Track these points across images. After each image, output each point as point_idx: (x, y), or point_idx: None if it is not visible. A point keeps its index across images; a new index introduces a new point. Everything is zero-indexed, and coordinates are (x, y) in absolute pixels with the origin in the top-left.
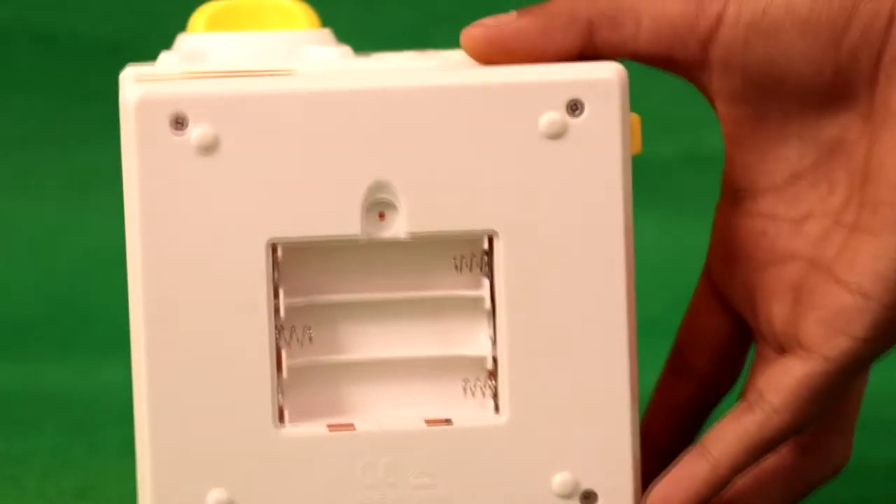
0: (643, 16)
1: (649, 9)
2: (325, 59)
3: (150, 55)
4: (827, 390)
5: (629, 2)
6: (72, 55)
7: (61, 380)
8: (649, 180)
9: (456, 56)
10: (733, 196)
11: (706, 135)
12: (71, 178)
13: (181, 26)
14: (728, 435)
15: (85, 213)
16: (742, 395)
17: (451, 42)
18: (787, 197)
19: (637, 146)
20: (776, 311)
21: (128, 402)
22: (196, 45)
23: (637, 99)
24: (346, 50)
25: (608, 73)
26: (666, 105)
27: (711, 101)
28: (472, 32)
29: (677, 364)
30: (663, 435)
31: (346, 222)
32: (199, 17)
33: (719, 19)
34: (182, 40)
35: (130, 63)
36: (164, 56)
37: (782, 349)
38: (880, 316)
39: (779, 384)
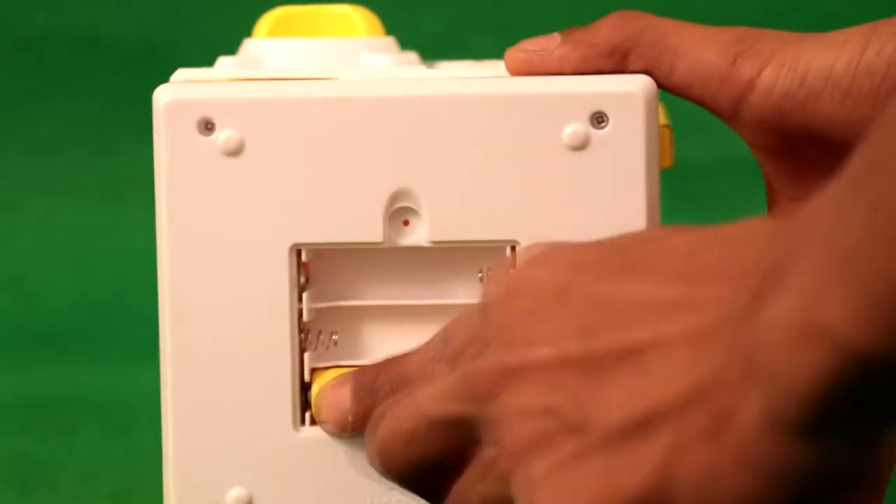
0: (679, 61)
1: (687, 54)
2: (376, 67)
3: (185, 59)
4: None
5: (671, 42)
6: (108, 59)
7: (97, 383)
8: (684, 183)
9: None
10: None
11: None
12: (108, 181)
13: (217, 31)
14: None
15: (122, 217)
16: None
17: (486, 47)
18: None
19: (667, 160)
20: None
21: None
22: (256, 50)
23: (673, 99)
24: (405, 57)
25: (634, 87)
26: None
27: (750, 148)
28: (515, 56)
29: None
30: None
31: (370, 229)
32: (262, 22)
33: (752, 84)
34: (245, 45)
35: (183, 67)
36: (222, 60)
37: None
38: None
39: None
